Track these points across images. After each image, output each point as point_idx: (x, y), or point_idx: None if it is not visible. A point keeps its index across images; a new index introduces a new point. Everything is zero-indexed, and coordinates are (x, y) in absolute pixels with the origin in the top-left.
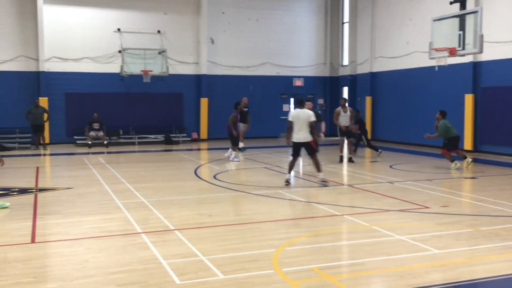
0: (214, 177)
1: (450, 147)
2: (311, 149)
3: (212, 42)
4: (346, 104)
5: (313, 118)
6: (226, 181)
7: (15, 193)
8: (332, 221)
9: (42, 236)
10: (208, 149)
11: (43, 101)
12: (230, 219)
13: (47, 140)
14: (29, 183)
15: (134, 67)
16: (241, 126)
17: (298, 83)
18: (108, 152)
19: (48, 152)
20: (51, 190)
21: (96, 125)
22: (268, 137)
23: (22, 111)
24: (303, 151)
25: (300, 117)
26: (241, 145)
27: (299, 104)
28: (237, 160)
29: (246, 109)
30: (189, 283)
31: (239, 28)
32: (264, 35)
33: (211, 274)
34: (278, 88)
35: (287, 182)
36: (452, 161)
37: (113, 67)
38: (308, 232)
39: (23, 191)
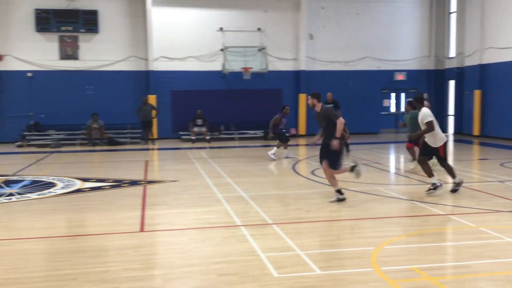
0: (312, 172)
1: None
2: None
3: (311, 37)
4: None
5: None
6: (323, 177)
7: (126, 184)
8: (436, 220)
9: (150, 226)
10: (306, 145)
11: (152, 99)
12: (327, 215)
13: (155, 136)
14: (138, 176)
15: (235, 65)
16: None
17: (400, 77)
18: (210, 147)
19: (156, 146)
20: (158, 182)
21: (199, 121)
22: (368, 133)
23: (133, 108)
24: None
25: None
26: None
27: (422, 103)
28: (274, 158)
29: (331, 106)
30: (286, 276)
31: (338, 22)
32: (364, 29)
33: (308, 269)
34: (379, 83)
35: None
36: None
37: (215, 65)
38: (409, 231)
39: (133, 183)
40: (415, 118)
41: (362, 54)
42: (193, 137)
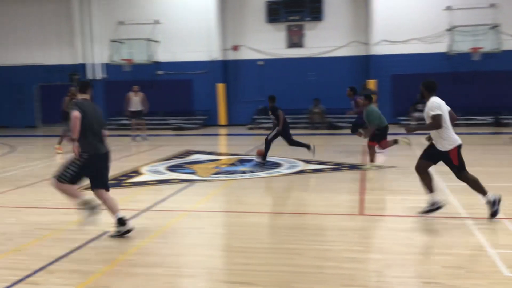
0: None
1: (381, 138)
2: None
3: None
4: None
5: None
6: None
7: (345, 168)
8: None
9: (370, 210)
10: None
11: (371, 84)
12: None
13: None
14: (357, 160)
15: (463, 45)
16: None
17: None
18: None
19: None
20: (377, 167)
21: (419, 106)
22: None
23: None
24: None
25: (445, 107)
26: None
27: (432, 91)
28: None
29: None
30: None
31: None
32: None
33: None
34: None
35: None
36: (372, 160)
37: (440, 47)
38: None
39: (352, 167)
40: (368, 114)
41: None
42: (414, 123)
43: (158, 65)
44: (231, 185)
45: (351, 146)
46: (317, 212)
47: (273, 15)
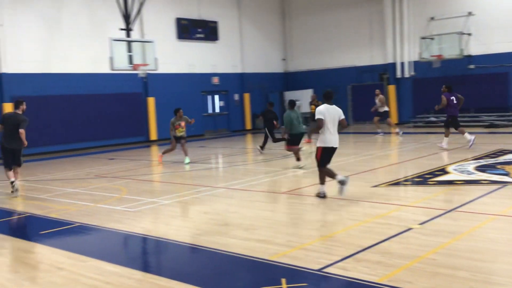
0: None
1: (293, 143)
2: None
3: None
4: None
5: (343, 115)
6: None
7: None
8: None
9: None
10: None
11: None
12: None
13: None
14: None
15: None
16: None
17: None
18: None
19: None
20: None
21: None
22: None
23: None
24: None
25: (331, 113)
26: None
27: (326, 99)
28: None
29: None
30: None
31: None
32: None
33: None
34: None
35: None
36: (298, 159)
37: None
38: None
39: None
40: (285, 118)
41: None
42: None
43: (469, 59)
44: None
45: None
46: None
47: None
